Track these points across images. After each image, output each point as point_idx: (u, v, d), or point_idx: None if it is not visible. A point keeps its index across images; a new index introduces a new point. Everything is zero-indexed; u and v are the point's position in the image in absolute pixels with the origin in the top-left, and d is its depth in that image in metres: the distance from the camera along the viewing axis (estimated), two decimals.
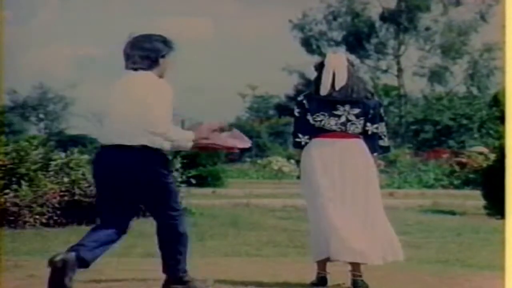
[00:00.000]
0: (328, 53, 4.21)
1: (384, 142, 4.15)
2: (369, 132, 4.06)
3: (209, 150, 3.77)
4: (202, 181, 14.07)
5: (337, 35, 30.47)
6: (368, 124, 4.04)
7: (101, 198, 3.72)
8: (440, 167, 16.89)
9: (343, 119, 4.01)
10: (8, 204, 7.14)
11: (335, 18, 30.22)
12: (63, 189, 7.61)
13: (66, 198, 7.57)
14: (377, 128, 4.08)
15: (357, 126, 4.02)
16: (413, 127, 28.50)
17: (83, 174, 7.90)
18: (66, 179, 7.73)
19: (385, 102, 27.51)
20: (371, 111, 4.04)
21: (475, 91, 29.34)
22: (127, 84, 3.50)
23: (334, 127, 4.00)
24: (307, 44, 30.19)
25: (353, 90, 4.02)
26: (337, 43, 30.26)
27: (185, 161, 8.57)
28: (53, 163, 7.82)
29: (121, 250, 5.85)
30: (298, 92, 29.77)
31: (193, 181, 8.77)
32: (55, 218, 7.40)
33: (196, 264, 5.01)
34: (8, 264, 4.89)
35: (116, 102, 3.47)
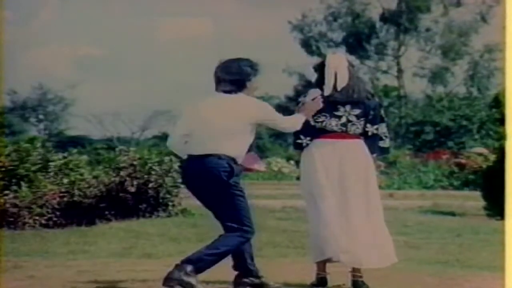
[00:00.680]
0: (328, 54, 4.20)
1: (385, 143, 4.15)
2: (369, 133, 4.07)
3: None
4: None
5: (337, 36, 30.47)
6: (368, 125, 4.05)
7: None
8: (440, 168, 16.88)
9: (343, 119, 4.01)
10: (7, 205, 7.14)
11: (335, 19, 30.21)
12: (62, 190, 7.61)
13: (65, 199, 7.57)
14: (377, 129, 4.08)
15: (357, 126, 4.03)
16: (413, 128, 28.49)
17: (82, 175, 7.91)
18: (65, 180, 7.73)
19: (385, 103, 27.51)
20: (372, 112, 4.05)
21: (475, 92, 29.32)
22: (224, 105, 3.85)
23: (335, 128, 4.01)
24: (307, 45, 30.18)
25: (354, 90, 4.03)
26: (337, 44, 30.24)
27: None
28: (52, 164, 7.83)
29: (120, 251, 5.86)
30: (298, 93, 29.75)
31: None
32: (55, 219, 7.40)
33: None
34: (7, 265, 4.89)
35: (209, 118, 3.83)
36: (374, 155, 4.10)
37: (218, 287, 4.07)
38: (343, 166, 3.98)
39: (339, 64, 4.06)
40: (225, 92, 3.87)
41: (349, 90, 4.02)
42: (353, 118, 4.01)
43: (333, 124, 4.00)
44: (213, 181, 3.79)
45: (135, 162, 8.01)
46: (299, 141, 4.08)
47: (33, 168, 7.59)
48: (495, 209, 8.65)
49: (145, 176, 7.97)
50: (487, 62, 29.48)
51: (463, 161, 16.24)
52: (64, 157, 8.09)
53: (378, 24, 30.63)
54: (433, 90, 30.27)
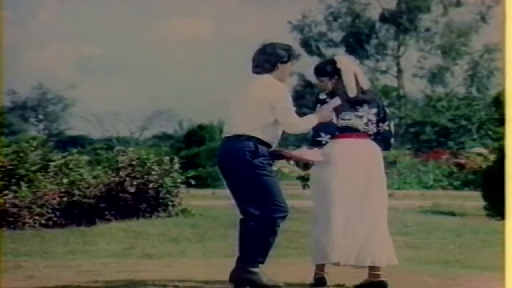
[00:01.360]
0: (337, 58, 4.18)
1: (393, 139, 4.25)
2: (381, 130, 4.15)
3: (286, 159, 4.11)
4: (202, 182, 14.09)
5: (337, 36, 30.45)
6: (380, 123, 4.15)
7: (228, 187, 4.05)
8: (440, 168, 16.89)
9: (365, 119, 4.09)
10: (7, 205, 7.13)
11: (334, 19, 30.20)
12: (62, 190, 7.61)
13: (65, 199, 7.56)
14: (388, 125, 4.18)
15: (375, 126, 4.12)
16: (412, 128, 28.48)
17: (82, 175, 7.90)
18: (65, 180, 7.73)
19: (385, 103, 27.46)
20: (382, 111, 4.17)
21: (474, 92, 29.31)
22: (249, 86, 3.95)
23: (360, 127, 4.07)
24: (307, 45, 30.16)
25: (372, 90, 4.19)
26: (337, 44, 30.23)
27: (185, 162, 8.57)
28: (52, 164, 7.82)
29: (120, 251, 5.86)
30: (298, 93, 29.76)
31: (193, 182, 8.77)
32: (55, 219, 7.40)
33: (196, 265, 5.00)
34: (7, 265, 4.89)
35: (237, 100, 3.94)
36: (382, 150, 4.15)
37: (218, 287, 4.06)
38: (361, 166, 3.99)
39: (354, 66, 4.17)
40: (255, 73, 3.96)
41: (369, 90, 4.14)
42: (372, 117, 4.10)
43: (358, 123, 4.07)
44: (238, 162, 3.88)
45: (134, 162, 8.01)
46: (319, 138, 4.08)
47: (33, 168, 7.59)
48: (495, 209, 8.65)
49: (145, 176, 7.96)
50: (487, 62, 29.46)
51: (462, 161, 16.24)
52: (64, 157, 8.09)
53: (377, 24, 30.61)
54: (432, 90, 30.27)
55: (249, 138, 3.89)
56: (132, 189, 7.83)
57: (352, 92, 4.07)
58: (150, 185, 7.95)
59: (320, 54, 29.35)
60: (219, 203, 10.11)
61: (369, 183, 4.01)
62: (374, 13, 30.33)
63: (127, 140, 26.03)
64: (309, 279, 4.11)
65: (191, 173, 8.82)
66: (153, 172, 7.97)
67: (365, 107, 4.08)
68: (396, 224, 4.16)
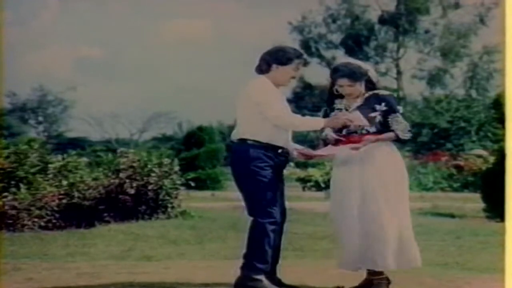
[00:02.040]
0: (359, 62, 4.11)
1: (404, 128, 4.19)
2: (390, 122, 4.12)
3: (307, 158, 4.07)
4: (201, 184, 14.08)
5: (336, 37, 30.47)
6: (391, 114, 4.10)
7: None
8: (439, 170, 16.89)
9: (378, 119, 4.04)
10: (6, 207, 7.12)
11: (334, 21, 30.22)
12: (61, 192, 7.60)
13: (64, 201, 7.56)
14: (397, 116, 4.13)
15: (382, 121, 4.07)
16: (412, 130, 28.47)
17: (81, 177, 7.89)
18: (65, 182, 7.72)
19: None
20: (390, 104, 4.12)
21: (474, 94, 29.32)
22: (246, 87, 3.94)
23: (371, 130, 4.03)
24: (306, 46, 30.16)
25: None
26: (336, 46, 30.25)
27: (184, 163, 8.56)
28: (51, 166, 7.81)
29: (119, 253, 5.85)
30: (297, 95, 29.78)
31: (192, 184, 8.77)
32: (54, 221, 7.39)
33: (195, 267, 5.00)
34: (7, 267, 4.88)
35: (236, 103, 3.96)
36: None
37: None
38: (379, 170, 3.94)
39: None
40: (256, 71, 3.96)
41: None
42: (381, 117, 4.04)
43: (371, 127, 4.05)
44: (234, 167, 3.93)
45: (134, 164, 8.00)
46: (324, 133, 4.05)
47: (32, 170, 7.58)
48: (495, 211, 8.65)
49: (145, 178, 7.96)
50: (486, 64, 29.47)
51: (462, 163, 16.24)
52: (63, 159, 8.08)
53: (377, 26, 30.63)
54: (432, 92, 30.27)
55: (243, 141, 3.90)
56: (132, 191, 7.83)
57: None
58: (150, 187, 7.94)
59: (319, 56, 29.37)
60: (218, 205, 10.11)
61: (387, 188, 3.93)
62: (373, 15, 30.35)
63: (126, 142, 26.03)
64: (308, 280, 4.10)
65: (191, 175, 8.82)
66: (152, 174, 7.97)
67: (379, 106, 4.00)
68: None
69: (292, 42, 30.13)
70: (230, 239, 6.54)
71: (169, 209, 8.08)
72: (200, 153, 16.31)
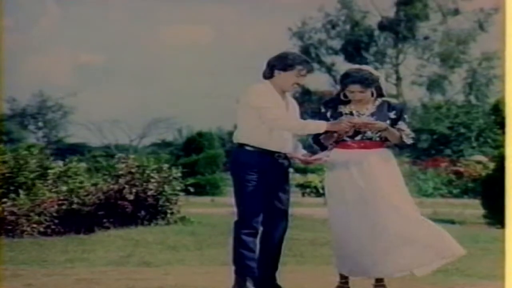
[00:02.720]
0: (367, 67, 4.10)
1: (406, 136, 4.20)
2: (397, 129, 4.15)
3: (305, 163, 4.08)
4: (200, 190, 14.06)
5: (336, 43, 30.50)
6: (399, 122, 4.12)
7: None
8: (439, 176, 16.88)
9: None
10: (6, 213, 7.11)
11: (334, 27, 30.26)
12: (61, 197, 7.59)
13: (64, 207, 7.54)
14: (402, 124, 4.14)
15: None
16: (414, 138, 28.43)
17: (81, 183, 7.88)
18: (64, 188, 7.71)
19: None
20: (398, 112, 4.14)
21: (473, 100, 29.33)
22: (245, 91, 3.95)
23: (374, 137, 4.04)
24: (306, 52, 30.13)
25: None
26: (336, 52, 30.27)
27: (184, 169, 8.56)
28: (51, 171, 7.80)
29: (119, 259, 5.84)
30: (296, 101, 29.75)
31: (192, 189, 8.75)
32: (53, 227, 7.37)
33: (195, 273, 4.99)
34: (6, 273, 4.87)
35: (238, 106, 3.97)
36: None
37: None
38: (376, 177, 3.93)
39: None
40: (262, 76, 3.98)
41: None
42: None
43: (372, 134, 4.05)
44: (229, 170, 4.00)
45: (133, 170, 7.99)
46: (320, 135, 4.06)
47: (31, 176, 7.57)
48: (495, 217, 8.64)
49: (144, 183, 7.95)
50: (486, 70, 29.51)
51: (461, 169, 16.24)
52: (63, 165, 8.07)
53: (376, 32, 30.69)
54: (431, 98, 30.31)
55: (239, 145, 3.92)
56: (131, 197, 7.82)
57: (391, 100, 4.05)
58: (149, 193, 7.93)
59: (319, 62, 29.40)
60: (218, 210, 10.09)
61: (382, 192, 3.92)
62: (372, 21, 30.39)
63: (126, 148, 26.01)
64: (309, 287, 4.09)
65: (190, 180, 8.80)
66: (152, 180, 7.95)
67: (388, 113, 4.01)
68: None
69: (292, 48, 30.16)
70: (230, 245, 6.53)
71: (168, 215, 8.07)
72: (199, 159, 16.30)
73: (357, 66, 4.09)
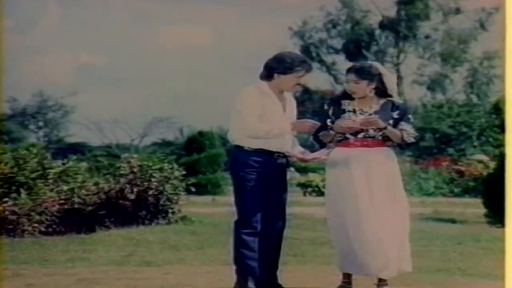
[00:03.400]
0: (375, 64, 4.09)
1: (408, 135, 4.18)
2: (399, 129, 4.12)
3: (303, 161, 4.10)
4: (202, 189, 14.07)
5: (337, 43, 30.50)
6: (401, 122, 4.10)
7: None
8: (440, 175, 16.87)
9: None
10: (6, 213, 7.11)
11: (334, 26, 30.25)
12: (62, 197, 7.58)
13: (65, 206, 7.54)
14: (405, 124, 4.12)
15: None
16: (416, 137, 28.41)
17: (82, 182, 7.88)
18: (65, 187, 7.70)
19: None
20: (402, 111, 4.10)
21: (474, 99, 29.33)
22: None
23: (376, 135, 4.01)
24: (307, 51, 30.15)
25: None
26: (337, 51, 30.28)
27: (184, 169, 8.56)
28: (52, 171, 7.80)
29: (120, 258, 5.84)
30: (297, 100, 29.75)
31: (193, 189, 8.76)
32: (54, 226, 7.37)
33: (196, 272, 4.99)
34: (6, 273, 4.87)
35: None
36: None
37: None
38: (377, 176, 3.92)
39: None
40: (259, 78, 3.97)
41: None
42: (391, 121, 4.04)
43: (374, 132, 4.03)
44: (228, 171, 4.04)
45: (135, 169, 7.99)
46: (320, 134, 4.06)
47: (32, 175, 7.57)
48: (496, 216, 8.63)
49: (145, 183, 7.95)
50: (487, 69, 29.50)
51: (463, 168, 16.23)
52: (64, 164, 8.07)
53: (377, 32, 30.67)
54: (432, 97, 30.30)
55: (235, 147, 3.94)
56: (132, 196, 7.82)
57: (396, 97, 4.02)
58: (150, 192, 7.93)
59: (320, 61, 29.41)
60: (219, 210, 10.09)
61: (382, 192, 3.91)
62: (373, 21, 30.38)
63: (127, 147, 26.02)
64: (310, 286, 4.09)
65: (191, 180, 8.80)
66: (153, 179, 7.95)
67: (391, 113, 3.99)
68: None
69: (293, 47, 30.16)
70: (231, 245, 6.53)
71: (169, 214, 8.06)
72: (200, 158, 16.30)
73: (362, 62, 4.12)
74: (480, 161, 15.81)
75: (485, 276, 4.88)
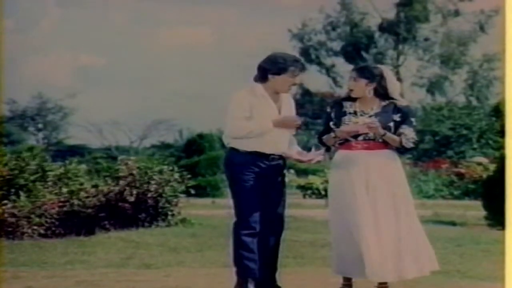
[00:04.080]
0: (381, 66, 4.09)
1: (408, 140, 4.16)
2: (400, 133, 4.10)
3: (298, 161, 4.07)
4: (201, 191, 14.06)
5: (336, 45, 30.52)
6: (402, 125, 4.09)
7: None
8: (440, 177, 16.87)
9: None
10: (6, 215, 7.10)
11: (334, 29, 30.27)
12: (61, 199, 7.58)
13: (64, 208, 7.54)
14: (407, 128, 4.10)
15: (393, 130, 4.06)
16: (416, 141, 28.41)
17: (81, 184, 7.88)
18: (64, 190, 7.70)
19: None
20: (404, 114, 4.11)
21: (474, 101, 29.34)
22: None
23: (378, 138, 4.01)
24: (306, 54, 30.20)
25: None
26: (336, 53, 30.30)
27: (184, 171, 8.56)
28: (51, 173, 7.80)
29: (119, 261, 5.83)
30: (297, 102, 29.79)
31: (193, 191, 8.76)
32: (54, 228, 7.37)
33: (195, 275, 4.98)
34: (6, 275, 4.87)
35: None
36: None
37: None
38: (380, 178, 3.91)
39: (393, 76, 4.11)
40: (254, 80, 3.98)
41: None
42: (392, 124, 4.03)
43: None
44: (224, 173, 4.04)
45: (134, 172, 7.99)
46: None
47: (32, 178, 7.57)
48: (496, 218, 8.62)
49: (145, 185, 7.94)
50: (486, 71, 29.52)
51: (463, 170, 16.23)
52: (63, 167, 8.07)
53: (376, 34, 30.69)
54: (432, 99, 30.32)
55: (230, 149, 3.95)
56: (132, 199, 7.81)
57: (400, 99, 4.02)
58: (150, 195, 7.93)
59: (319, 63, 29.42)
60: (218, 212, 10.08)
61: (387, 197, 3.90)
62: (372, 23, 30.41)
63: (126, 149, 26.02)
64: None
65: (191, 182, 8.79)
66: (153, 182, 7.95)
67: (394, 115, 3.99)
68: None
69: (292, 49, 30.17)
70: (230, 247, 6.52)
71: (169, 217, 8.06)
72: (200, 160, 16.30)
73: (368, 63, 4.14)
74: (480, 164, 15.81)
75: (485, 278, 4.88)
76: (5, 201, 7.21)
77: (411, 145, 4.06)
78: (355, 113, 3.99)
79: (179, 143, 25.38)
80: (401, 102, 4.05)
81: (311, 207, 11.64)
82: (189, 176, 8.28)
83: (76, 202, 7.64)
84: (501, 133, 8.68)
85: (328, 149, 4.07)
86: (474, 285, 4.60)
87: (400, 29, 29.60)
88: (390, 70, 4.12)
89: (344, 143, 3.99)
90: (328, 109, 4.10)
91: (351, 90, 4.00)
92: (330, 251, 4.12)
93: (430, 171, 18.12)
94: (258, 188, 3.86)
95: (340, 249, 3.95)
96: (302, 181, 15.50)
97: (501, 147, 9.75)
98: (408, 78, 30.26)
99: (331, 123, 4.03)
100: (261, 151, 3.89)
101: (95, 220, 7.63)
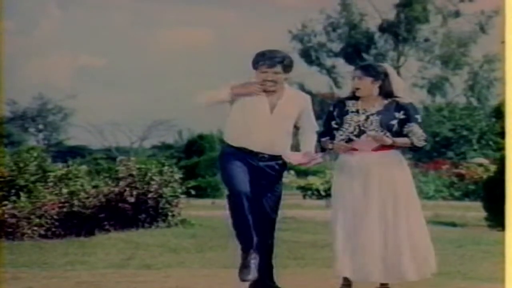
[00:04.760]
0: (384, 65, 4.10)
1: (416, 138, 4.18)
2: (405, 132, 4.11)
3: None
4: (201, 192, 14.06)
5: (336, 46, 30.52)
6: (407, 123, 4.10)
7: None
8: (440, 178, 16.87)
9: (395, 128, 4.04)
10: (6, 216, 7.11)
11: (334, 30, 30.28)
12: (61, 200, 7.58)
13: (65, 209, 7.54)
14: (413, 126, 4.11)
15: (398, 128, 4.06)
16: (427, 139, 28.41)
17: (81, 185, 7.88)
18: (65, 190, 7.71)
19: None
20: (408, 112, 4.11)
21: (475, 102, 29.34)
22: None
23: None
24: (306, 55, 30.20)
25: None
26: (336, 54, 30.29)
27: (184, 172, 8.56)
28: (51, 174, 7.80)
29: (119, 261, 5.84)
30: None
31: (193, 192, 8.76)
32: (54, 229, 7.37)
33: (195, 275, 4.98)
34: (6, 276, 4.87)
35: None
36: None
37: None
38: (385, 180, 3.91)
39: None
40: None
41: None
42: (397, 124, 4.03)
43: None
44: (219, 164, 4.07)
45: (134, 172, 7.99)
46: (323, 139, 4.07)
47: (32, 178, 7.57)
48: (496, 219, 8.62)
49: (145, 186, 7.95)
50: (487, 72, 29.51)
51: (463, 171, 16.23)
52: (64, 167, 8.07)
53: (376, 35, 30.69)
54: (432, 100, 30.31)
55: (224, 143, 4.06)
56: (132, 199, 7.81)
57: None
58: (150, 195, 7.93)
59: (319, 64, 29.41)
60: (219, 213, 10.06)
61: (392, 197, 3.91)
62: (373, 24, 30.39)
63: (126, 150, 26.02)
64: None
65: (191, 183, 8.80)
66: (153, 182, 7.95)
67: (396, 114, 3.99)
68: None
69: (292, 50, 30.18)
70: (230, 248, 6.52)
71: (169, 218, 8.06)
72: (200, 161, 16.31)
73: (372, 62, 4.15)
74: (480, 165, 15.82)
75: (485, 279, 4.88)
76: (5, 202, 7.22)
77: (423, 143, 4.07)
78: (357, 111, 3.98)
79: (179, 144, 25.38)
80: (404, 100, 4.03)
81: (311, 208, 11.64)
82: (185, 176, 8.27)
83: (76, 203, 7.64)
84: (502, 134, 8.67)
85: (323, 150, 4.06)
86: (474, 286, 4.60)
87: (400, 30, 29.61)
88: (392, 68, 4.11)
89: (348, 142, 3.99)
90: (331, 108, 4.09)
91: (357, 89, 3.99)
92: (330, 252, 4.11)
93: (430, 172, 18.12)
94: (248, 174, 3.89)
95: (342, 250, 3.94)
96: (302, 182, 15.50)
97: (501, 148, 9.74)
98: (408, 79, 30.24)
99: (333, 122, 4.02)
100: (249, 148, 3.89)
101: (95, 220, 7.63)
